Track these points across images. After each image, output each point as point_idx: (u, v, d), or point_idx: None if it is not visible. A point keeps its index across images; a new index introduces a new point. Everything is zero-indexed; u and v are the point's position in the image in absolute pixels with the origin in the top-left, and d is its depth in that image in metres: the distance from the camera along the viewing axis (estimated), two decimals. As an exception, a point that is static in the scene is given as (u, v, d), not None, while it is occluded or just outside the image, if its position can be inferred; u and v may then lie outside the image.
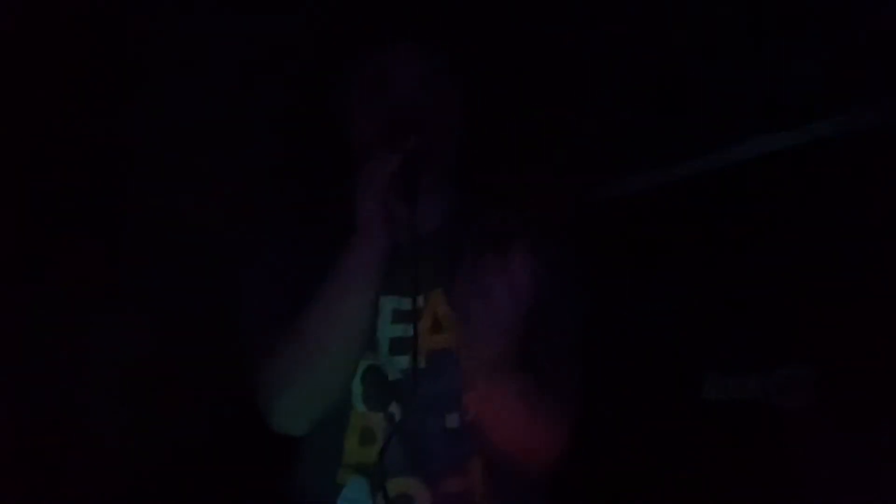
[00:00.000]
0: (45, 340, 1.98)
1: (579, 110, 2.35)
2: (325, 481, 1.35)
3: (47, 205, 2.00)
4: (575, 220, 2.28)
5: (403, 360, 1.35)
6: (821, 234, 1.82)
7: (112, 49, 2.08)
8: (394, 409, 1.34)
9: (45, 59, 2.00)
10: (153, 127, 2.13)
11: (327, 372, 1.31)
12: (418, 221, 1.23)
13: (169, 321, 2.06)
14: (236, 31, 2.15)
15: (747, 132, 1.96)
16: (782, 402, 1.84)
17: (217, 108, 2.16)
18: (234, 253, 1.50)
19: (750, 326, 1.92)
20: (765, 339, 1.89)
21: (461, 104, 1.39)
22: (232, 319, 1.39)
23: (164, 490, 2.01)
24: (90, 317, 2.02)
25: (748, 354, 1.92)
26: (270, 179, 2.21)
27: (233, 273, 1.45)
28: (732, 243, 1.98)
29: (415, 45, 1.35)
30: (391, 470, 1.32)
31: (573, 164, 2.36)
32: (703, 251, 2.04)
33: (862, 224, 1.75)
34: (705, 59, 2.07)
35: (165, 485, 2.02)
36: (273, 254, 1.43)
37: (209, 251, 2.09)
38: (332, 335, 1.28)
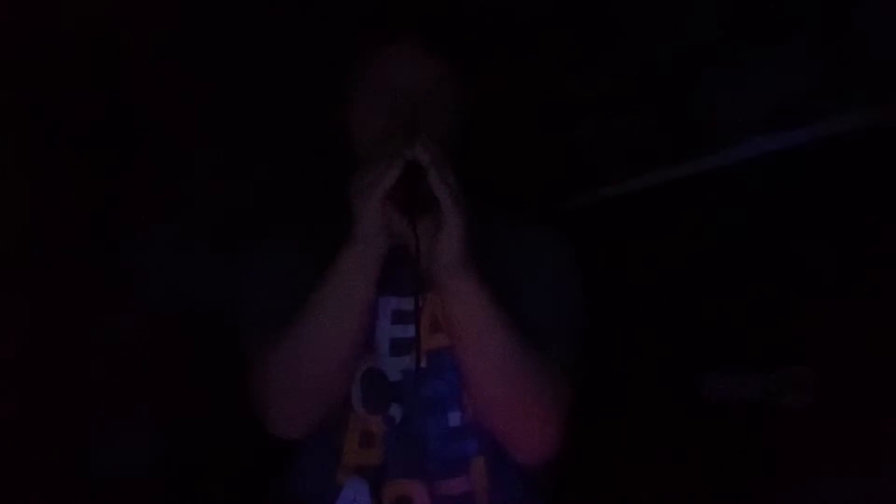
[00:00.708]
0: (44, 340, 1.98)
1: (580, 110, 2.36)
2: (323, 483, 1.34)
3: (47, 203, 2.00)
4: (574, 219, 2.28)
5: (404, 361, 1.35)
6: (821, 234, 1.82)
7: (113, 48, 2.08)
8: (394, 411, 1.34)
9: (46, 58, 2.00)
10: (153, 123, 2.13)
11: (323, 376, 1.30)
12: (418, 222, 1.23)
13: (168, 322, 2.06)
14: (241, 30, 2.15)
15: (747, 132, 1.96)
16: (782, 402, 1.84)
17: (219, 107, 2.16)
18: (234, 253, 1.50)
19: (750, 326, 1.92)
20: (765, 339, 1.89)
21: (464, 107, 1.39)
22: (231, 321, 1.39)
23: (163, 491, 2.01)
24: (88, 316, 2.02)
25: (748, 354, 1.92)
26: (271, 180, 2.21)
27: (231, 275, 1.45)
28: (732, 243, 1.98)
29: (420, 46, 1.34)
30: (391, 472, 1.32)
31: (573, 164, 2.36)
32: (703, 251, 2.04)
33: (862, 224, 1.75)
34: (705, 59, 2.07)
35: (164, 486, 2.02)
36: (271, 255, 1.43)
37: (209, 251, 2.09)
38: (328, 339, 1.28)
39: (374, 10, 1.43)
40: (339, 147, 1.36)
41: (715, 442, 1.96)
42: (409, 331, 1.34)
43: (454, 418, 1.35)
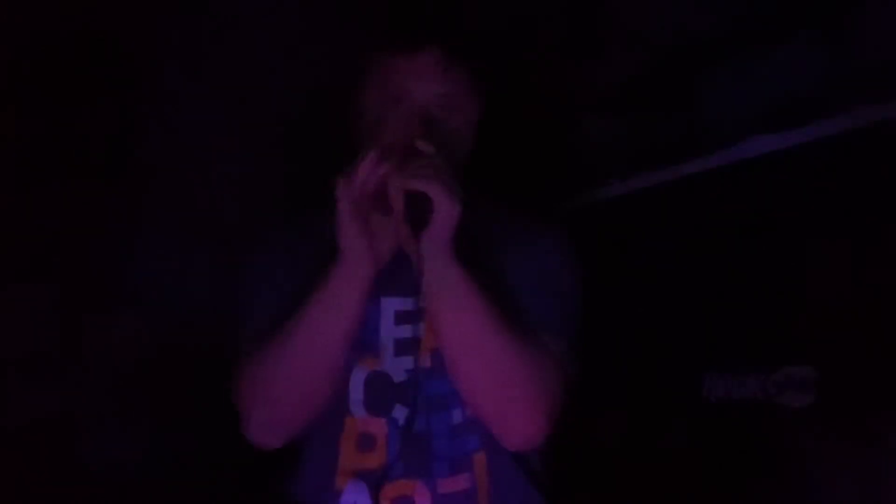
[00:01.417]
0: (43, 340, 1.98)
1: (580, 110, 2.36)
2: (322, 486, 1.35)
3: (47, 204, 2.00)
4: (574, 219, 2.28)
5: (409, 361, 1.35)
6: (821, 234, 1.82)
7: (113, 48, 2.08)
8: (397, 412, 1.34)
9: (45, 56, 2.00)
10: (155, 125, 2.12)
11: (308, 385, 1.29)
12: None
13: (168, 322, 2.06)
14: (248, 33, 2.15)
15: (747, 132, 1.96)
16: (782, 402, 1.84)
17: (222, 108, 2.16)
18: (234, 256, 1.50)
19: (750, 326, 1.92)
20: (765, 339, 1.89)
21: (475, 114, 1.39)
22: (230, 323, 1.39)
23: (163, 491, 2.01)
24: (86, 315, 2.02)
25: (748, 354, 1.92)
26: (270, 181, 2.21)
27: (231, 277, 1.45)
28: (733, 243, 1.98)
29: (441, 59, 1.35)
30: (393, 473, 1.32)
31: (573, 164, 2.36)
32: (703, 251, 2.04)
33: (862, 224, 1.75)
34: (705, 59, 2.08)
35: (164, 487, 2.02)
36: (265, 260, 1.42)
37: (208, 253, 2.09)
38: (314, 351, 1.28)
39: (395, 21, 1.43)
40: (342, 151, 1.36)
41: (715, 442, 1.96)
42: (413, 331, 1.34)
43: (457, 415, 1.35)
